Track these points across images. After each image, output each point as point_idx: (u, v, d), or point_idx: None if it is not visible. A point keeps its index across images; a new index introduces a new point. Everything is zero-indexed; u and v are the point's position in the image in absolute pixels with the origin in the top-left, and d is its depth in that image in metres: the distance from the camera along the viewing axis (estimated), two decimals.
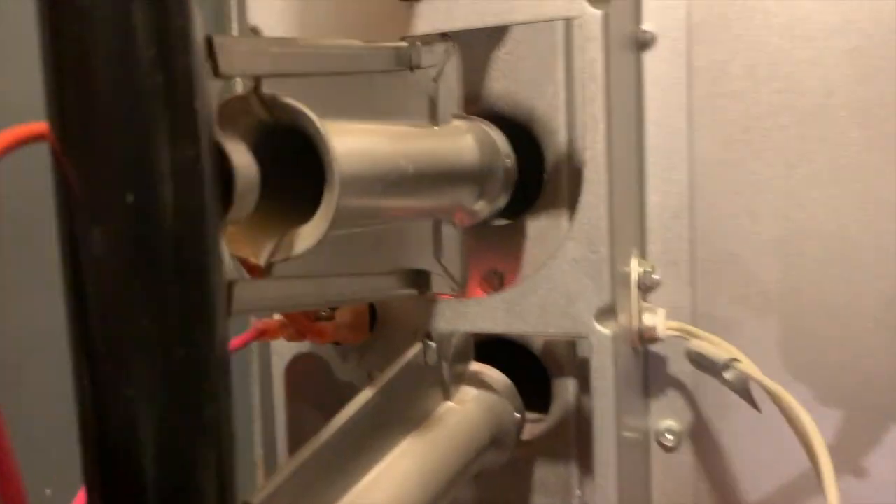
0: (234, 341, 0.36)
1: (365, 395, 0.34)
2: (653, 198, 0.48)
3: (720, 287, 0.47)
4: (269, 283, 0.27)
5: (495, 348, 0.47)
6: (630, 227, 0.44)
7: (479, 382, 0.44)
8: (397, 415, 0.37)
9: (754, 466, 0.48)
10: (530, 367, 0.49)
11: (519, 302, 0.38)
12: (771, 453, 0.47)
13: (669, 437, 0.49)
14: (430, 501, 0.35)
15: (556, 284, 0.37)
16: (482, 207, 0.40)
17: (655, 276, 0.48)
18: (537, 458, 0.51)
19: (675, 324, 0.43)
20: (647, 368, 0.49)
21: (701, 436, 0.49)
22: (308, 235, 0.26)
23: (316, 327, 0.36)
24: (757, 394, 0.38)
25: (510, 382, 0.45)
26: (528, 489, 0.51)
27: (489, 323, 0.39)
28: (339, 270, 0.33)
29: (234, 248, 0.26)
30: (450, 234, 0.40)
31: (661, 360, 0.49)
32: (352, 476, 0.33)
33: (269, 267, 0.26)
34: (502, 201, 0.41)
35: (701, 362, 0.40)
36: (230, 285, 0.24)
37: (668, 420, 0.49)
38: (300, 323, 0.36)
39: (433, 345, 0.39)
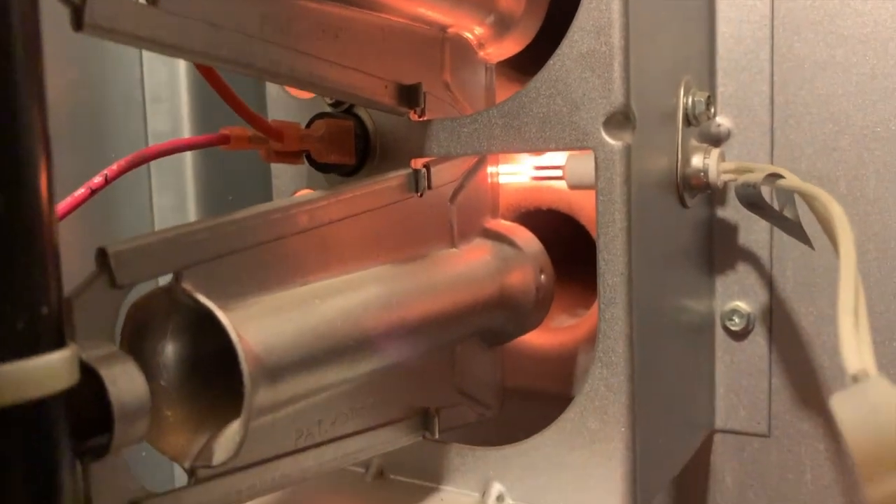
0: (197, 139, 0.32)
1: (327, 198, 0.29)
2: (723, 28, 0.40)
3: (806, 136, 0.39)
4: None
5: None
6: (677, 43, 0.36)
7: (495, 235, 0.38)
8: (372, 240, 0.31)
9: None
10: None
11: (518, 114, 0.31)
12: None
13: (736, 320, 0.41)
14: (390, 332, 0.30)
15: (558, 88, 0.30)
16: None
17: (721, 122, 0.40)
18: (582, 347, 0.44)
19: (731, 164, 0.35)
20: (713, 239, 0.41)
21: (777, 320, 0.41)
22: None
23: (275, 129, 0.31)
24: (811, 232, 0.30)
25: (537, 241, 0.39)
26: (566, 378, 0.44)
27: (485, 142, 0.32)
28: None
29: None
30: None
31: (730, 229, 0.41)
32: (290, 276, 0.28)
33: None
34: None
35: (750, 197, 0.31)
36: None
37: (735, 301, 0.41)
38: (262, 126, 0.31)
39: (423, 170, 0.33)
